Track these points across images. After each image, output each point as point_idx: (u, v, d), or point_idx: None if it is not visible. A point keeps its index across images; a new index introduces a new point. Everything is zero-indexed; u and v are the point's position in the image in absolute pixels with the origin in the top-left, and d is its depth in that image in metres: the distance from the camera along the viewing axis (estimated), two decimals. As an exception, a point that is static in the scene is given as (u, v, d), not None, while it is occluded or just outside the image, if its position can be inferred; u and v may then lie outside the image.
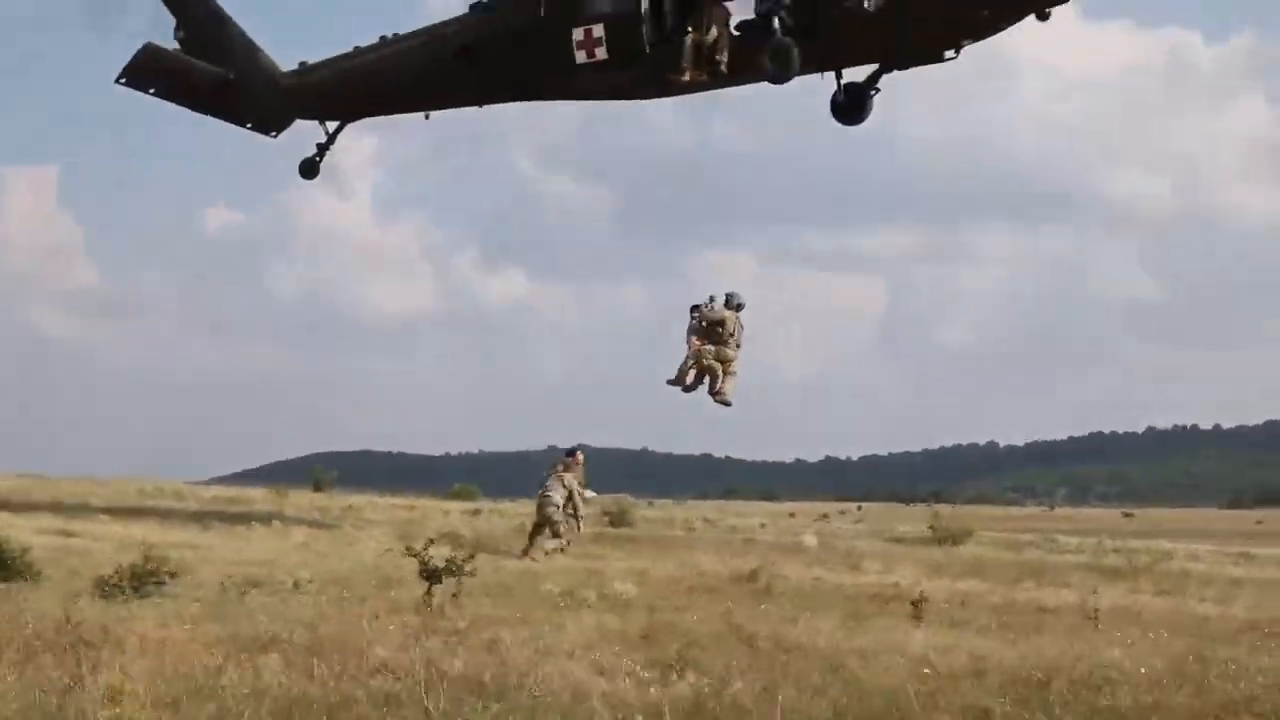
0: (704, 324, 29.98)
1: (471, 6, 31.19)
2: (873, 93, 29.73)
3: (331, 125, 33.59)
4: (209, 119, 34.41)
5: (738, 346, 30.04)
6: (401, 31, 32.43)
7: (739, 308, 30.32)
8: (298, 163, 33.92)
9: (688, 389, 30.01)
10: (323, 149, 33.68)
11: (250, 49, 34.13)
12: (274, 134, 34.27)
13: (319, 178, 33.90)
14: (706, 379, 30.25)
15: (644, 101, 31.43)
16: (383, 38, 32.45)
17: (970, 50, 28.24)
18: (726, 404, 29.88)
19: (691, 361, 29.75)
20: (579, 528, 30.42)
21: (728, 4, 28.74)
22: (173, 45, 33.78)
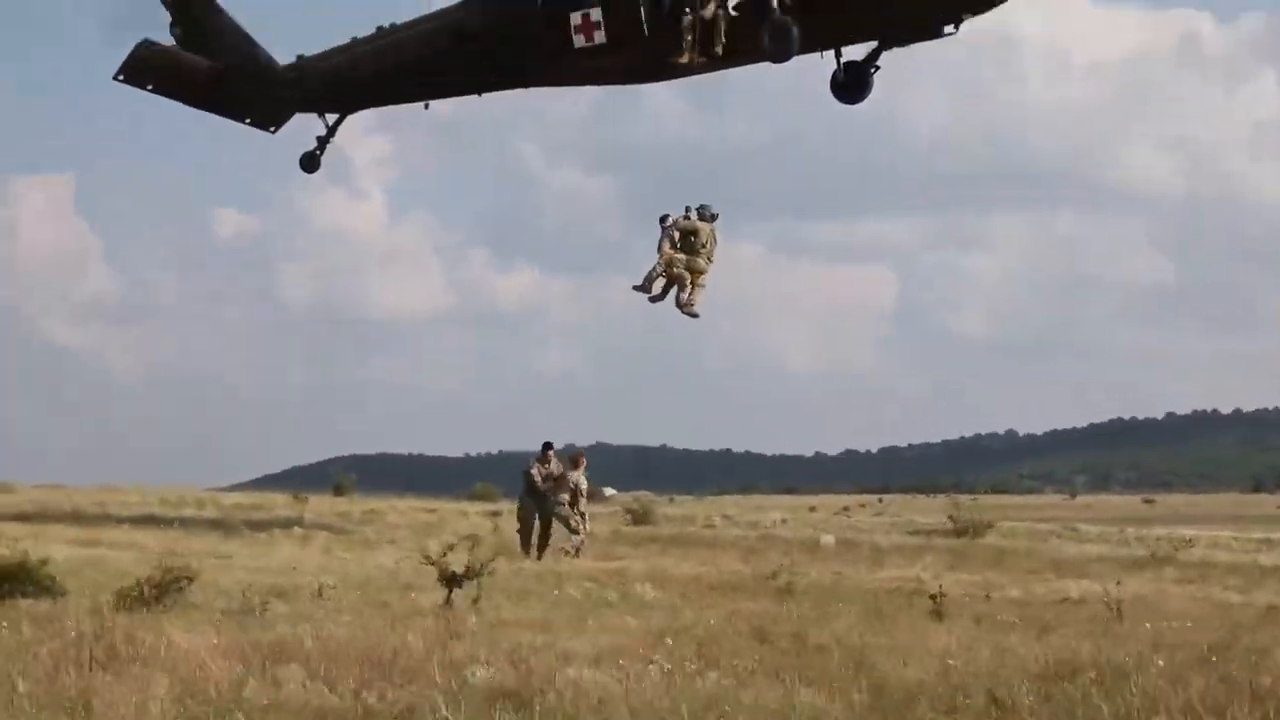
0: (677, 234, 29.49)
1: None
2: (873, 70, 29.68)
3: (331, 118, 33.59)
4: (217, 120, 34.47)
5: (709, 260, 29.48)
6: (399, 21, 32.39)
7: (713, 218, 29.73)
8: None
9: (655, 298, 29.43)
10: (323, 142, 33.66)
11: (247, 43, 34.04)
12: (273, 129, 34.22)
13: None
14: (674, 290, 29.66)
15: (651, 93, 31.48)
16: (380, 28, 32.41)
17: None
18: (694, 315, 29.44)
19: (661, 268, 29.15)
20: (586, 526, 30.24)
21: None
22: (170, 41, 33.73)
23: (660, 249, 29.01)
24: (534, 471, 30.01)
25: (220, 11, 34.13)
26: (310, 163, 33.89)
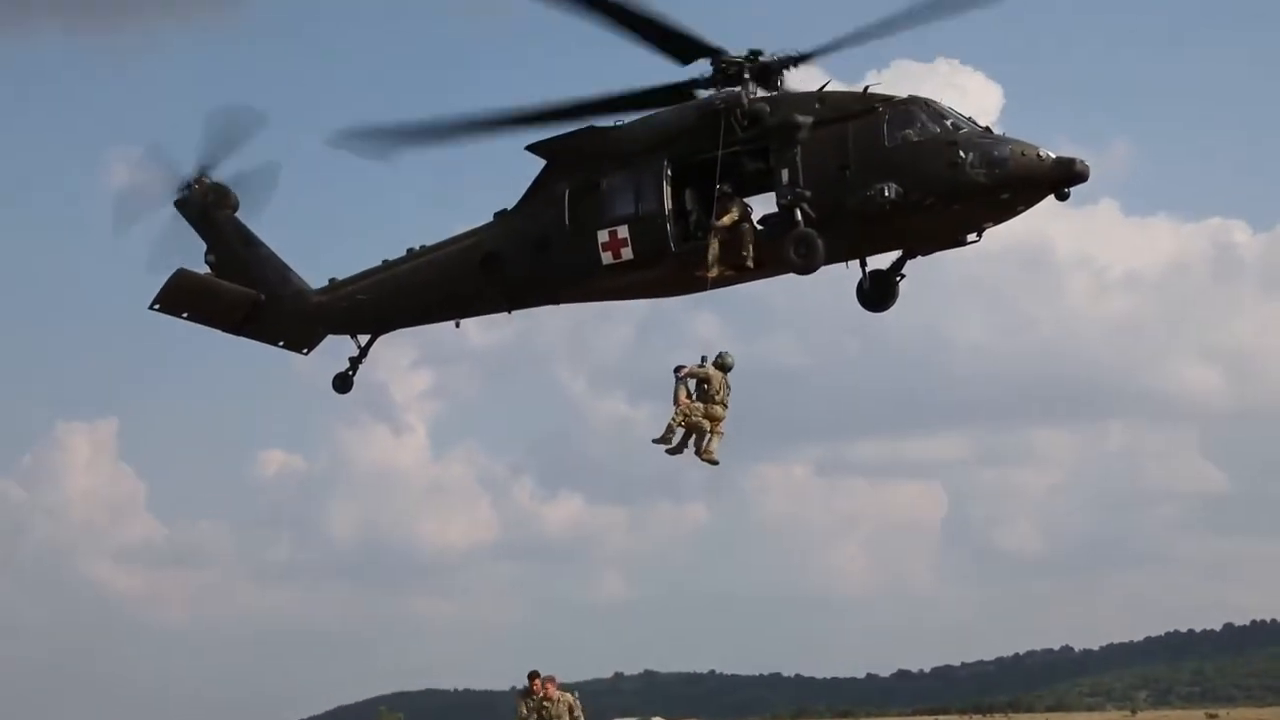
0: (692, 382, 29.08)
1: (496, 214, 31.67)
2: (898, 279, 29.94)
3: (364, 338, 33.78)
4: (257, 357, 34.84)
5: (725, 406, 29.08)
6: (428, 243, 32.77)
7: (728, 368, 29.33)
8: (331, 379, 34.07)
9: (674, 450, 28.93)
10: (356, 362, 33.76)
11: (280, 268, 34.59)
12: (306, 351, 34.41)
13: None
14: (693, 439, 29.17)
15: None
16: (410, 249, 32.83)
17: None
18: (714, 463, 28.94)
19: (680, 419, 28.74)
20: None
21: (748, 199, 28.95)
22: (203, 269, 34.39)
23: (676, 399, 28.69)
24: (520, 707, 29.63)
25: (253, 237, 34.76)
26: (343, 384, 33.98)
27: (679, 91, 29.72)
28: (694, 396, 28.49)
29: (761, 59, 29.05)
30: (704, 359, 28.79)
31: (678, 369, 28.85)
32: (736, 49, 29.09)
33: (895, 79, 29.30)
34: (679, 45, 28.89)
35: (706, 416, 28.36)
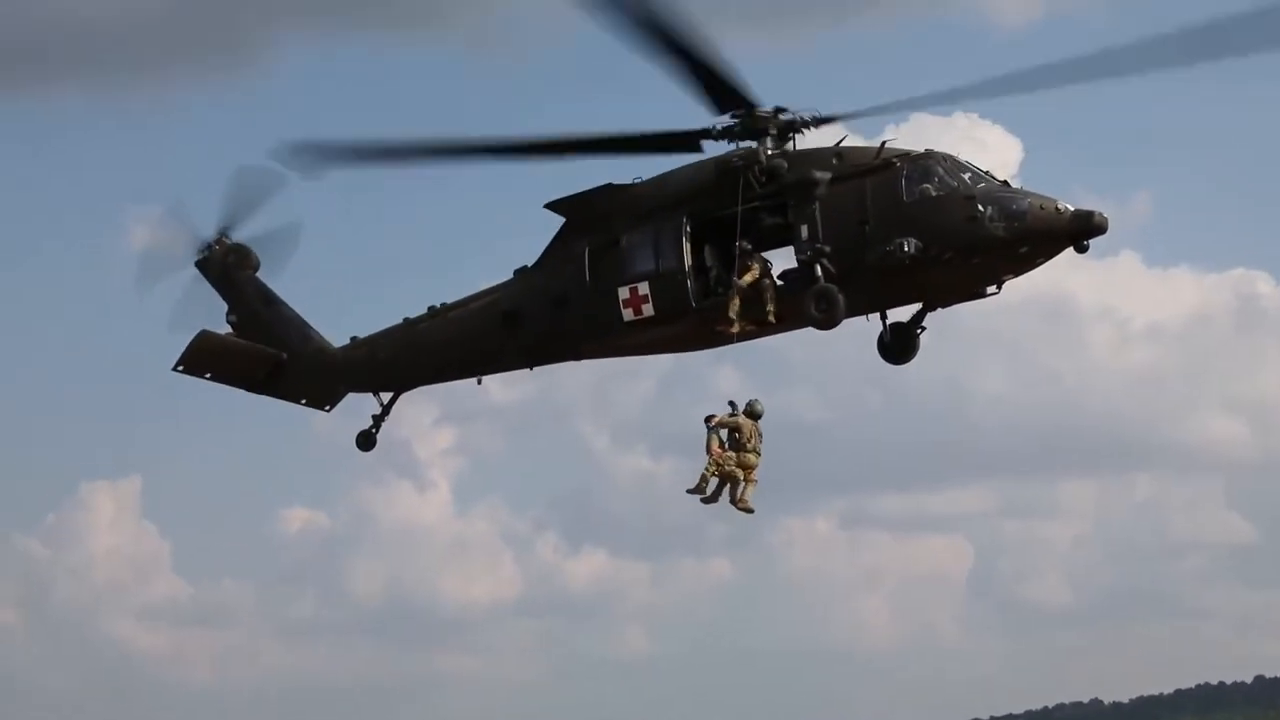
0: (724, 432, 28.88)
1: (516, 271, 31.75)
2: (919, 332, 29.89)
3: (385, 396, 33.70)
4: (280, 416, 34.74)
5: (758, 454, 28.88)
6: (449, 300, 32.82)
7: (758, 416, 29.10)
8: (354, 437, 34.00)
9: (709, 500, 28.75)
10: (379, 420, 33.68)
11: (301, 327, 34.58)
12: (328, 408, 34.34)
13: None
14: (727, 488, 28.96)
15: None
16: (431, 308, 32.84)
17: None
18: (749, 511, 28.75)
19: (713, 469, 28.55)
20: None
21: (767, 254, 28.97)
22: (224, 328, 34.42)
23: (709, 449, 28.60)
24: None
25: (274, 297, 34.77)
26: (366, 441, 33.85)
27: (686, 139, 29.43)
28: (726, 446, 28.48)
29: (784, 116, 29.00)
30: (734, 408, 28.77)
31: (709, 419, 28.85)
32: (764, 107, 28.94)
33: (914, 133, 29.47)
34: (724, 93, 28.41)
35: (740, 465, 28.38)
